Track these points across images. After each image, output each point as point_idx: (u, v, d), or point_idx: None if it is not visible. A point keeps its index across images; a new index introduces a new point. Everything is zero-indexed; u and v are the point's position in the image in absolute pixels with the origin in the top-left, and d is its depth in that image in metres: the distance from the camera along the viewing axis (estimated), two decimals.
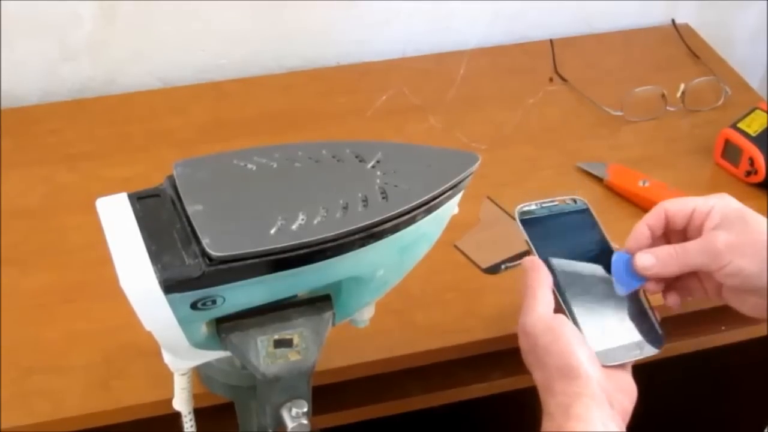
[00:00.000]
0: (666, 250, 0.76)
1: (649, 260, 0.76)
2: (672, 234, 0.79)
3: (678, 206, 0.77)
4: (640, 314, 0.78)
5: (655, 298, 0.88)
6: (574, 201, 0.83)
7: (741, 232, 0.74)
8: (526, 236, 0.79)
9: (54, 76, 1.18)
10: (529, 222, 0.80)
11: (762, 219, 0.75)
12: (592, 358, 0.71)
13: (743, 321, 1.02)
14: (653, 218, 0.78)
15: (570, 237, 0.80)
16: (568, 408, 0.68)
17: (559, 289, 0.76)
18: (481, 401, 0.96)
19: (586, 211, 0.82)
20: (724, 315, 1.00)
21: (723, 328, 1.00)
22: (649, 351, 0.76)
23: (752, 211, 0.76)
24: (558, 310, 0.75)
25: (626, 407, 0.72)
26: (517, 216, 0.80)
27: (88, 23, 1.16)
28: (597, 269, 0.79)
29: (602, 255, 0.79)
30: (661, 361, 0.97)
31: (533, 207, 0.81)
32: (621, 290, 0.78)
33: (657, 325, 0.77)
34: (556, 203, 0.82)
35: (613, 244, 0.82)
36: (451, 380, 0.95)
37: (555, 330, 0.72)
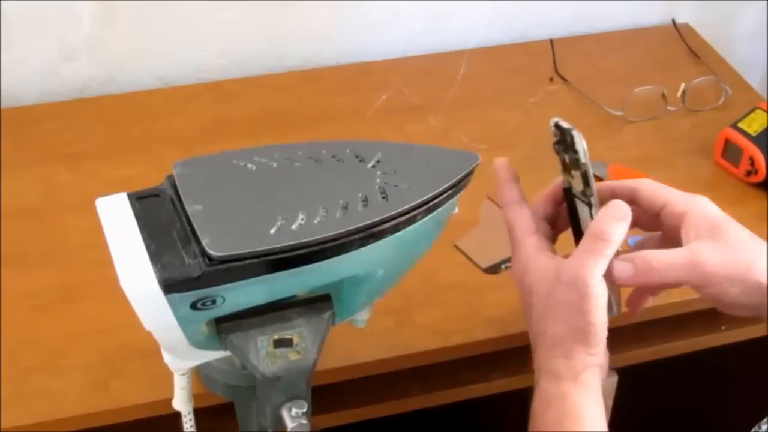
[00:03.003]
0: (645, 260, 0.68)
1: (627, 269, 0.68)
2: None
3: (650, 193, 0.73)
4: None
5: None
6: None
7: (726, 250, 0.67)
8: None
9: (53, 75, 1.18)
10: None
11: (742, 233, 0.69)
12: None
13: (743, 321, 1.02)
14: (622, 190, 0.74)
15: None
16: (578, 374, 0.66)
17: None
18: (481, 401, 0.96)
19: None
20: (724, 315, 1.00)
21: (723, 328, 1.00)
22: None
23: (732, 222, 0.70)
24: None
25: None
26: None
27: (88, 23, 1.16)
28: None
29: None
30: (661, 361, 0.97)
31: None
32: None
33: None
34: None
35: None
36: (451, 380, 0.94)
37: (596, 287, 0.67)
